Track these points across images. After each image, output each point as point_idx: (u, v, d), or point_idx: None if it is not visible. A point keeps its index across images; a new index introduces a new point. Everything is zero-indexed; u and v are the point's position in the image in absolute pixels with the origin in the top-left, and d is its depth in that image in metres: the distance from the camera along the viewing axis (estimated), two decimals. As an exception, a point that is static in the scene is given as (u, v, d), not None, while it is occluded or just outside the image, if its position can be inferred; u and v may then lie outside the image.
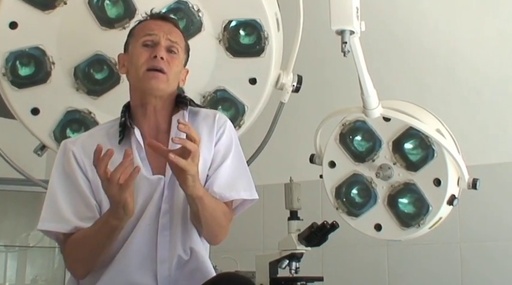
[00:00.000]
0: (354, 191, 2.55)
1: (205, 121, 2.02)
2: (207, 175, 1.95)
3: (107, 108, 2.38)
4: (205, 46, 2.38)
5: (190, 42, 2.14)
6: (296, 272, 2.80)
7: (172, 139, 1.74)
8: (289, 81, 2.48)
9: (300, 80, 2.50)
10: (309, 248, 2.77)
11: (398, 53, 3.69)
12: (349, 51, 2.12)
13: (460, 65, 3.52)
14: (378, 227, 2.49)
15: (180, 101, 2.04)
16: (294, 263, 2.79)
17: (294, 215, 2.84)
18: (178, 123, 1.72)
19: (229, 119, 2.38)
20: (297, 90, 2.50)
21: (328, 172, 2.58)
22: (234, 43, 2.40)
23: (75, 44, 2.37)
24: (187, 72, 2.08)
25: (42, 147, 2.44)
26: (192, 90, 2.35)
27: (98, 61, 2.39)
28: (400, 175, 2.45)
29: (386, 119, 2.43)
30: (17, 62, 2.35)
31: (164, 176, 1.91)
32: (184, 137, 1.73)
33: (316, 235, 2.71)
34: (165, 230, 1.89)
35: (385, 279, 3.54)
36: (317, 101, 3.67)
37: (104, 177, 1.68)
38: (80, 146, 1.95)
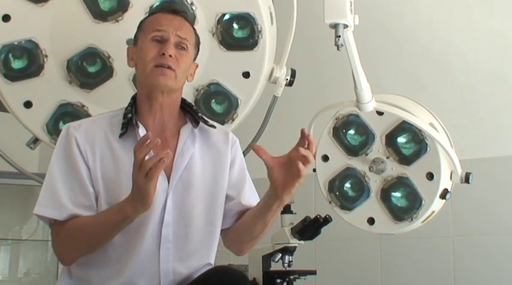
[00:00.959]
0: (347, 185, 2.56)
1: (218, 139, 2.06)
2: (227, 194, 2.03)
3: (99, 101, 2.38)
4: (199, 39, 2.37)
5: (184, 35, 2.13)
6: (289, 266, 2.81)
7: (299, 149, 1.78)
8: (282, 74, 2.48)
9: (293, 74, 2.50)
10: (302, 242, 2.77)
11: (392, 47, 3.69)
12: (342, 45, 2.12)
13: (453, 59, 3.52)
14: (371, 221, 2.50)
15: (187, 111, 2.05)
16: (287, 257, 2.79)
17: (287, 209, 2.84)
18: (302, 133, 1.80)
19: (223, 113, 2.41)
20: (290, 83, 2.50)
21: (322, 165, 2.58)
22: (228, 36, 2.39)
23: (68, 37, 2.36)
24: (197, 66, 2.08)
25: (35, 140, 2.43)
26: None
27: (91, 54, 2.38)
28: (393, 168, 2.46)
29: (380, 113, 2.44)
30: (10, 55, 2.34)
31: (169, 181, 1.91)
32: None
33: (309, 228, 2.71)
34: (167, 243, 1.89)
35: (377, 273, 3.55)
36: (310, 95, 3.67)
37: (139, 163, 1.66)
38: (83, 132, 1.93)
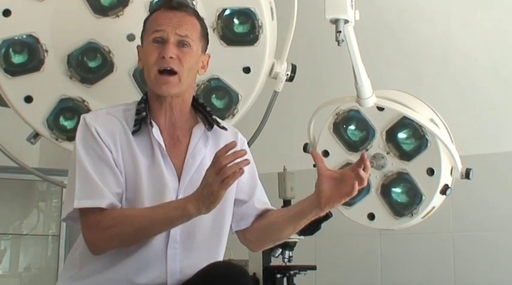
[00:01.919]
0: (347, 180, 2.55)
1: (228, 141, 2.02)
2: (238, 198, 2.04)
3: (100, 96, 2.38)
4: (199, 34, 2.37)
5: (184, 30, 2.13)
6: (289, 261, 2.81)
7: (358, 170, 1.82)
8: (283, 70, 2.47)
9: (294, 69, 2.50)
10: (302, 237, 2.77)
11: (393, 43, 3.69)
12: (343, 40, 2.12)
13: (454, 55, 3.52)
14: (371, 217, 2.50)
15: (199, 110, 2.04)
16: (287, 252, 2.80)
17: (287, 204, 2.85)
18: (362, 156, 1.84)
19: (223, 108, 2.41)
20: (290, 79, 2.50)
21: (322, 161, 2.58)
22: (228, 32, 2.39)
23: (68, 32, 2.36)
24: (209, 57, 2.05)
25: (36, 135, 2.43)
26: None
27: (92, 49, 2.38)
28: (393, 164, 2.46)
29: (380, 108, 2.43)
30: (10, 50, 2.34)
31: (179, 181, 1.91)
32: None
33: (309, 224, 2.71)
34: (174, 243, 1.89)
35: (378, 268, 3.55)
36: (311, 90, 3.67)
37: (220, 168, 1.65)
38: (102, 124, 1.90)
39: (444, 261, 3.37)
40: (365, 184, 1.85)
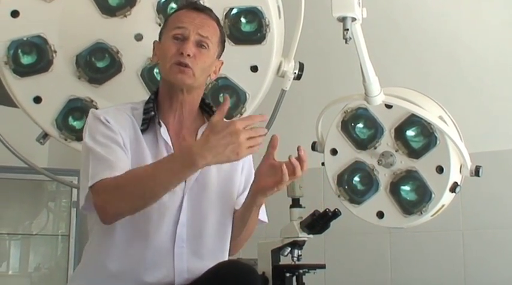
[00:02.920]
0: (356, 178, 2.55)
1: None
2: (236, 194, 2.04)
3: (108, 96, 2.39)
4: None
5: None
6: (298, 260, 2.80)
7: (292, 159, 1.85)
8: (290, 68, 2.47)
9: (301, 67, 2.50)
10: (311, 236, 2.77)
11: (400, 40, 3.68)
12: (350, 38, 2.11)
13: (462, 52, 3.51)
14: (380, 215, 2.49)
15: (205, 110, 2.05)
16: (296, 251, 2.79)
17: (296, 203, 2.84)
18: (298, 149, 1.87)
19: (231, 107, 2.41)
20: (298, 77, 2.50)
21: (330, 159, 2.58)
22: (235, 30, 2.39)
23: (76, 32, 2.37)
24: (222, 63, 2.08)
25: (45, 135, 2.44)
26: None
27: (100, 49, 2.39)
28: (402, 162, 2.45)
29: (388, 106, 2.43)
30: (19, 51, 2.35)
31: (185, 182, 1.91)
32: None
33: (318, 222, 2.71)
34: (181, 242, 1.90)
35: (387, 267, 3.55)
36: (319, 88, 3.66)
37: (254, 134, 1.69)
38: (112, 116, 1.92)
39: (454, 259, 3.36)
40: (298, 173, 1.84)
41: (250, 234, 2.05)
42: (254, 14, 2.38)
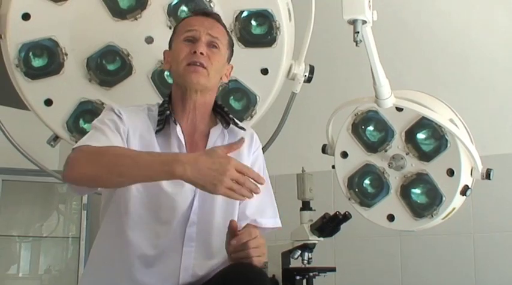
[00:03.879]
0: (367, 181, 2.54)
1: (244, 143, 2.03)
2: None
3: (119, 99, 2.39)
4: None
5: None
6: (308, 263, 2.80)
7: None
8: (301, 71, 2.47)
9: (312, 70, 2.49)
10: (321, 239, 2.77)
11: (411, 42, 3.68)
12: (361, 41, 2.11)
13: (472, 54, 3.50)
14: (391, 218, 2.48)
15: (217, 112, 2.06)
16: (306, 254, 2.79)
17: (306, 206, 2.84)
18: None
19: (241, 110, 2.42)
20: (309, 80, 2.50)
21: (341, 162, 2.57)
22: (246, 33, 2.39)
23: (87, 35, 2.37)
24: (232, 67, 2.11)
25: (56, 138, 2.45)
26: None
27: (110, 52, 2.39)
28: (412, 165, 2.45)
29: (399, 109, 2.42)
30: (30, 53, 2.36)
31: None
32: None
33: (329, 225, 2.70)
34: (190, 241, 1.91)
35: (397, 270, 3.54)
36: (329, 91, 3.66)
37: (243, 176, 1.66)
38: (127, 113, 1.94)
39: (465, 262, 3.34)
40: (249, 247, 1.79)
41: None
42: (264, 17, 2.38)
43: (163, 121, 1.95)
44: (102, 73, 2.40)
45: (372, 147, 2.52)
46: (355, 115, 2.53)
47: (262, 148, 2.20)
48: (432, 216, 2.40)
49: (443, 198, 2.38)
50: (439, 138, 2.40)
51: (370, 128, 2.53)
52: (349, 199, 2.56)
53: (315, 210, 2.84)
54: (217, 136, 2.01)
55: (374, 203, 2.52)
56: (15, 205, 4.57)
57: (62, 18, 2.35)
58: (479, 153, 2.37)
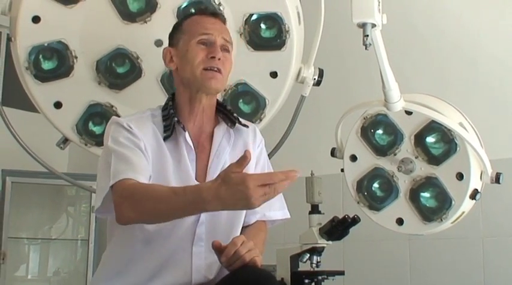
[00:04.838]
0: (376, 185, 2.54)
1: (248, 137, 2.07)
2: None
3: (128, 102, 2.40)
4: (227, 39, 2.39)
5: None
6: (317, 266, 2.79)
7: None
8: (310, 74, 2.47)
9: (321, 73, 2.49)
10: (330, 242, 2.76)
11: (420, 46, 3.67)
12: (370, 44, 2.11)
13: (482, 57, 3.49)
14: (400, 222, 2.48)
15: (220, 110, 2.06)
16: (315, 257, 2.78)
17: (315, 209, 2.83)
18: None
19: (250, 113, 2.42)
20: (318, 83, 2.50)
21: (350, 165, 2.57)
22: (255, 36, 2.40)
23: (97, 38, 2.38)
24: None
25: (65, 140, 2.46)
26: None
27: (120, 55, 2.40)
28: (422, 169, 2.44)
29: (408, 112, 2.42)
30: (40, 56, 2.37)
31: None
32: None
33: (337, 228, 2.69)
34: (200, 241, 1.91)
35: (406, 274, 3.53)
36: (338, 94, 3.66)
37: (269, 183, 1.59)
38: (133, 123, 1.93)
39: (474, 266, 3.33)
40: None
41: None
42: (274, 20, 2.39)
43: (171, 127, 1.95)
44: (112, 76, 2.41)
45: (381, 151, 2.52)
46: (364, 118, 2.52)
47: (271, 152, 2.21)
48: (441, 220, 2.39)
49: (453, 202, 2.37)
50: (449, 142, 2.39)
51: (379, 131, 2.53)
52: (358, 203, 2.55)
53: (323, 213, 2.83)
54: (223, 136, 2.01)
55: (383, 207, 2.51)
56: (25, 207, 4.58)
57: (72, 21, 2.36)
58: (488, 157, 2.36)
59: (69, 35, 2.37)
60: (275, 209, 2.08)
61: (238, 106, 2.43)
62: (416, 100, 2.38)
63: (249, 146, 2.04)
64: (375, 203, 2.53)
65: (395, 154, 2.48)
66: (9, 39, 2.40)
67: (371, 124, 2.52)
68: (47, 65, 2.39)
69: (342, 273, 2.87)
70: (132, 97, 2.40)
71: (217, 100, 2.07)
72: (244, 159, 1.60)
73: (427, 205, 2.44)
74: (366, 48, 2.11)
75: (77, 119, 2.41)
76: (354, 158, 2.56)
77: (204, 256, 1.91)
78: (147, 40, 2.38)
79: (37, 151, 2.49)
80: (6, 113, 2.43)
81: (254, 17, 2.39)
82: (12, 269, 4.54)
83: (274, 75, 2.42)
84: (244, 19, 2.39)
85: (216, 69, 1.94)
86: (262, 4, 2.38)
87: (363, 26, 2.11)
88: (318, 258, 2.79)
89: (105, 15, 2.37)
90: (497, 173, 2.37)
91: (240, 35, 2.38)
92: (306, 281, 2.77)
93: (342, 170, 2.60)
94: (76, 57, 2.38)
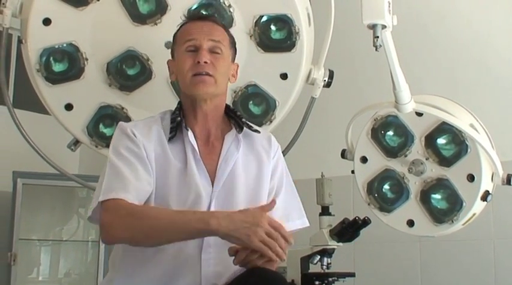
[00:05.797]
0: (386, 186, 2.53)
1: (262, 145, 2.05)
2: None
3: (139, 103, 2.40)
4: (236, 41, 2.38)
5: (222, 37, 2.14)
6: (328, 268, 2.79)
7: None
8: (320, 76, 2.47)
9: (331, 75, 2.49)
10: (341, 244, 2.76)
11: (431, 47, 3.66)
12: (381, 46, 2.10)
13: (493, 58, 3.48)
14: (411, 223, 2.47)
15: (231, 116, 2.05)
16: (325, 259, 2.78)
17: (325, 211, 2.83)
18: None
19: (260, 114, 2.42)
20: (328, 85, 2.49)
21: (360, 167, 2.57)
22: (265, 38, 2.40)
23: (107, 40, 2.38)
24: (238, 66, 2.09)
25: (76, 142, 2.46)
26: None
27: (130, 57, 2.40)
28: (433, 170, 2.43)
29: (419, 114, 2.41)
30: (51, 58, 2.37)
31: (213, 186, 1.92)
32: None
33: (348, 230, 2.69)
34: (208, 247, 1.89)
35: (417, 276, 3.52)
36: (348, 96, 3.66)
37: (275, 233, 1.70)
38: (139, 129, 1.94)
39: (485, 268, 3.32)
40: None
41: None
42: (284, 22, 2.38)
43: (175, 128, 1.95)
44: (122, 78, 2.41)
45: (391, 152, 2.51)
46: (374, 120, 2.52)
47: (283, 152, 2.20)
48: (452, 222, 2.39)
49: (464, 203, 2.36)
50: (460, 143, 2.38)
51: (390, 133, 2.52)
52: (369, 204, 2.55)
53: (334, 215, 2.83)
54: (232, 141, 2.00)
55: (394, 209, 2.51)
56: (36, 208, 4.59)
57: (83, 23, 2.36)
58: (500, 158, 2.35)
59: (79, 37, 2.37)
60: (293, 220, 2.04)
61: (249, 108, 2.43)
62: (426, 102, 2.37)
63: (261, 155, 2.03)
64: (386, 205, 2.52)
65: (406, 156, 2.48)
66: (20, 42, 2.41)
67: (381, 125, 2.52)
68: (57, 67, 2.39)
69: (352, 275, 2.87)
70: (142, 99, 2.41)
71: (227, 105, 2.07)
72: (267, 206, 1.75)
73: (438, 206, 2.44)
74: (376, 50, 2.10)
75: (88, 121, 2.41)
76: (364, 159, 2.56)
77: (213, 263, 1.89)
78: (158, 42, 2.38)
79: (48, 153, 2.50)
80: (18, 115, 2.44)
81: (264, 18, 2.39)
82: (23, 270, 4.55)
83: (284, 76, 2.42)
84: (255, 21, 2.38)
85: (204, 73, 1.92)
86: (272, 6, 2.38)
87: (373, 27, 2.10)
88: (329, 260, 2.79)
89: (116, 17, 2.37)
90: (508, 174, 2.37)
91: (250, 36, 2.38)
92: (317, 282, 2.77)
93: (353, 171, 2.59)
94: (87, 59, 2.38)
